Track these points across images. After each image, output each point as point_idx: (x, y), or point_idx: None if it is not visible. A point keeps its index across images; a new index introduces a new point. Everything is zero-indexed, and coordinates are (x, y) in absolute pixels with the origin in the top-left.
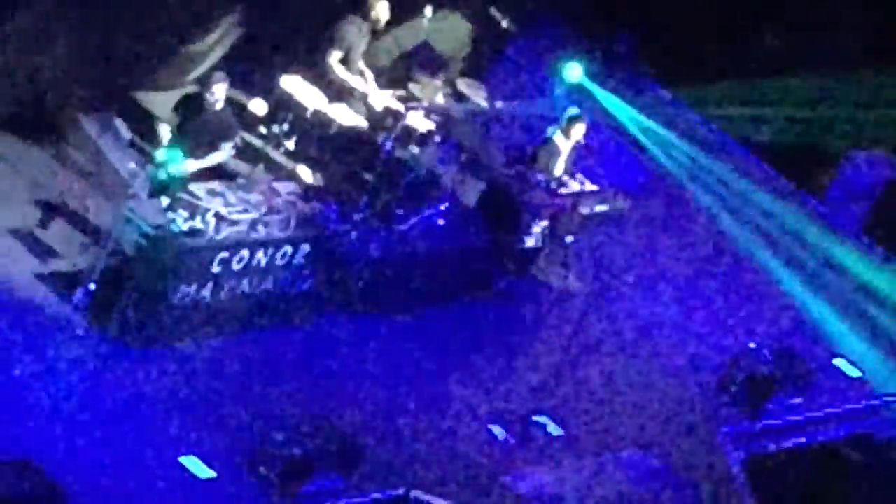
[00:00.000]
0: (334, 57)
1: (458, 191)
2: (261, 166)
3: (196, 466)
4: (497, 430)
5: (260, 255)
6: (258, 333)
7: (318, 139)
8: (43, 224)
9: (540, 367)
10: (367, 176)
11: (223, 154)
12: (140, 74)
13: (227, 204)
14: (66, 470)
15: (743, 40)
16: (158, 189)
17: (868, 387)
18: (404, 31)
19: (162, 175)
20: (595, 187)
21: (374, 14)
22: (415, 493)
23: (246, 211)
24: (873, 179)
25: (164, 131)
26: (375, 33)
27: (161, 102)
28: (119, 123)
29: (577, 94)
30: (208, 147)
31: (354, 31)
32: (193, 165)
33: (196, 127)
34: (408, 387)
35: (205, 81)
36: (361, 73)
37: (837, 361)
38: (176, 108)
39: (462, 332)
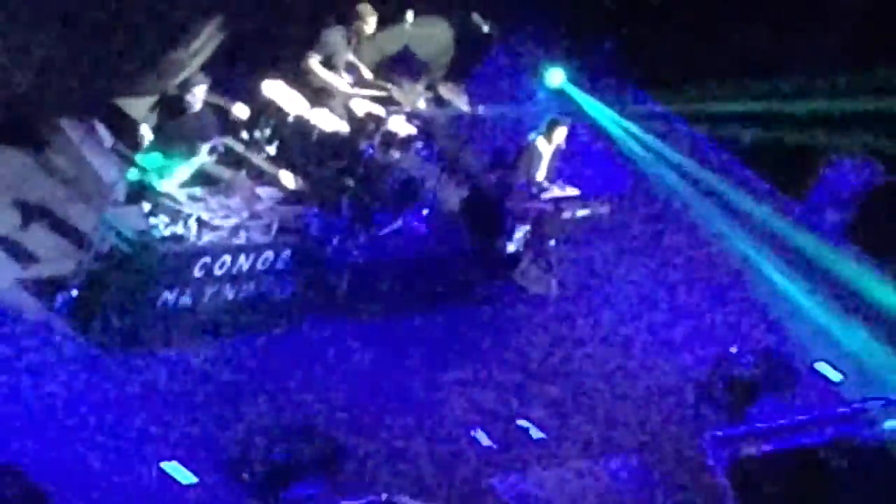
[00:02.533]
0: (313, 59)
1: (439, 196)
2: (242, 171)
3: (178, 472)
4: (480, 435)
5: (242, 260)
6: (240, 339)
7: (299, 144)
8: (24, 229)
9: (522, 372)
10: (349, 181)
11: (202, 157)
12: (122, 80)
13: (208, 209)
14: (48, 475)
15: (725, 44)
16: (135, 193)
17: (850, 391)
18: (386, 36)
19: (138, 177)
20: (577, 192)
21: (360, 25)
22: (397, 498)
23: (227, 216)
24: (856, 184)
25: (146, 132)
26: (359, 43)
27: (143, 108)
28: (101, 129)
29: (559, 99)
30: (186, 149)
31: (338, 40)
32: (185, 172)
33: (174, 128)
34: (390, 392)
35: (185, 83)
36: (342, 80)
37: (819, 365)
38: (154, 109)
39: (444, 336)
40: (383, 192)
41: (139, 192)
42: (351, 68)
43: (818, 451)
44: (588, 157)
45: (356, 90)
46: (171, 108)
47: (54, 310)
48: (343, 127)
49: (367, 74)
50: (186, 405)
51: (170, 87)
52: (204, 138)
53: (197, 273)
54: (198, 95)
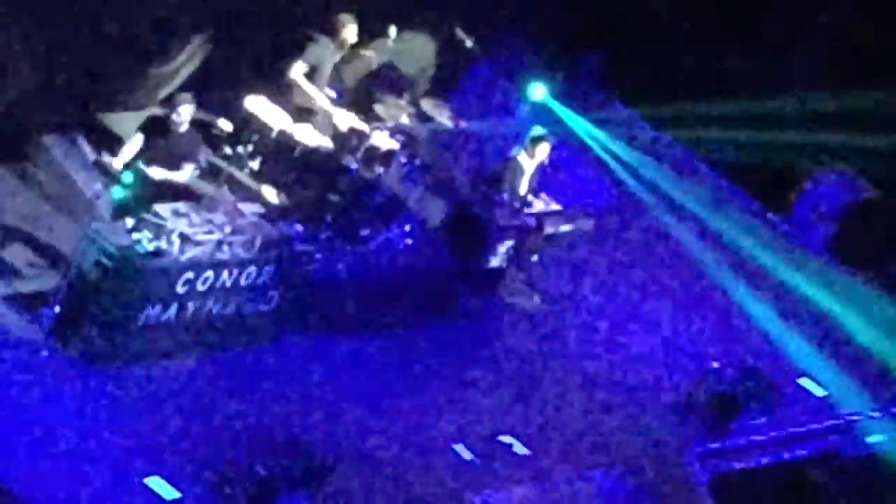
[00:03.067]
0: (297, 70)
1: (422, 211)
2: (226, 187)
3: (161, 487)
4: (463, 451)
5: (225, 275)
6: (223, 354)
7: (283, 160)
8: (7, 245)
9: (505, 387)
10: (332, 196)
11: (185, 174)
12: (105, 95)
13: (191, 224)
14: (31, 491)
15: (707, 60)
16: (121, 210)
17: (833, 406)
18: (369, 51)
19: (123, 194)
20: (559, 207)
21: (342, 35)
22: None
23: (211, 232)
24: (839, 199)
25: (130, 150)
26: (343, 53)
27: (125, 123)
28: (84, 144)
29: (542, 114)
30: (171, 169)
31: (323, 51)
32: (159, 173)
33: (161, 149)
34: (373, 407)
35: (171, 102)
36: (326, 94)
37: (803, 380)
38: (141, 130)
39: (427, 352)
40: (366, 207)
41: (121, 208)
42: (334, 82)
43: (802, 466)
44: (571, 173)
45: (338, 106)
46: (157, 130)
47: (38, 326)
48: (326, 142)
49: (350, 86)
50: (170, 420)
51: (152, 102)
52: (189, 158)
53: (180, 288)
54: (184, 116)
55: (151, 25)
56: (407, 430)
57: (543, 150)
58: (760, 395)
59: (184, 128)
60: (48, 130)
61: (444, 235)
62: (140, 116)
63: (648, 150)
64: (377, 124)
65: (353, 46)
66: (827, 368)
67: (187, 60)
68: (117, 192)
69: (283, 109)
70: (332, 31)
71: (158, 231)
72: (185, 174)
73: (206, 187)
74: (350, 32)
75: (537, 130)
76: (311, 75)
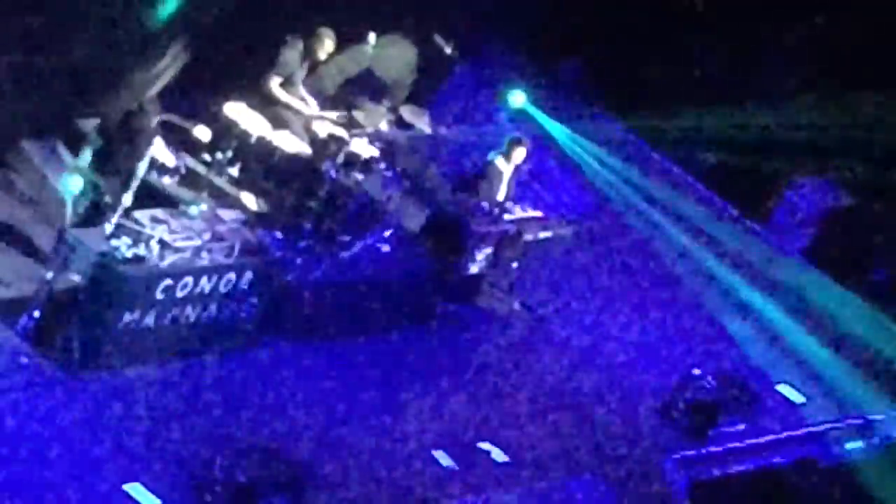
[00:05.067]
0: (274, 81)
1: (401, 217)
2: (204, 193)
3: (141, 494)
4: (441, 457)
5: (204, 281)
6: (202, 360)
7: (262, 166)
8: None
9: (484, 394)
10: (311, 202)
11: (144, 164)
12: (85, 101)
13: (170, 231)
14: (11, 497)
15: (687, 67)
16: (92, 213)
17: (812, 412)
18: (347, 58)
19: (93, 197)
20: (539, 213)
21: (317, 48)
22: None
23: (190, 238)
24: (817, 205)
25: (86, 156)
26: (316, 63)
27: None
28: (62, 150)
29: (522, 120)
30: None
31: (295, 56)
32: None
33: (125, 151)
34: (352, 413)
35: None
36: (303, 99)
37: (781, 387)
38: (103, 133)
39: (406, 358)
40: (345, 213)
41: (96, 212)
42: (313, 90)
43: (780, 473)
44: (550, 179)
45: (317, 113)
46: (121, 129)
47: (17, 331)
48: (305, 149)
49: (330, 93)
50: (149, 427)
51: (131, 107)
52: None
53: (159, 294)
54: (150, 115)
55: (130, 30)
56: (386, 436)
57: (520, 155)
58: (739, 401)
59: (152, 124)
60: (27, 136)
61: (422, 242)
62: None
63: (627, 157)
64: (356, 131)
65: (333, 53)
66: (805, 375)
67: (167, 66)
68: (88, 197)
69: (262, 116)
70: (309, 45)
71: (137, 237)
72: (144, 163)
73: (185, 193)
74: (326, 47)
75: (514, 135)
76: (287, 81)
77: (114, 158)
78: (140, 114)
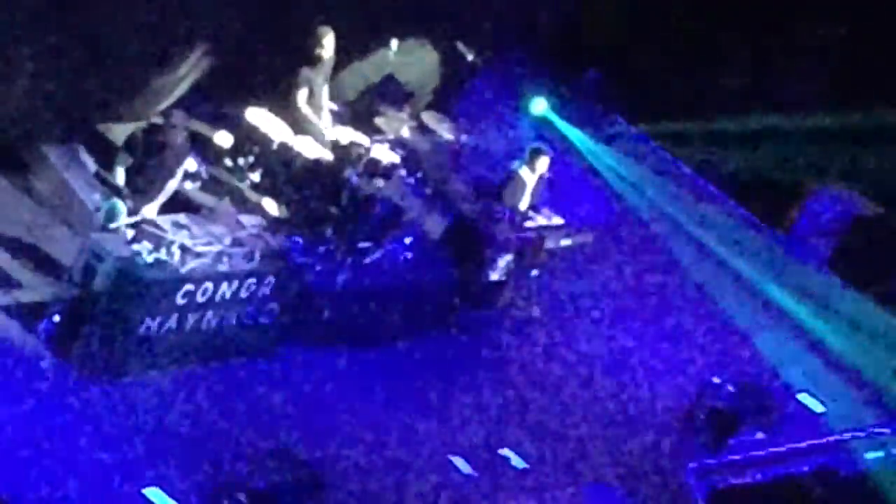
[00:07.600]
0: (301, 99)
1: (423, 224)
2: (226, 199)
3: (160, 498)
4: (461, 464)
5: (224, 287)
6: (222, 366)
7: (283, 172)
8: (7, 255)
9: (504, 401)
10: (333, 209)
11: (175, 181)
12: (106, 106)
13: (192, 236)
14: (31, 500)
15: (708, 76)
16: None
17: (832, 421)
18: (369, 64)
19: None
20: (560, 221)
21: (319, 49)
22: None
23: (211, 243)
24: (838, 215)
25: (120, 173)
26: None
27: (126, 135)
28: (84, 155)
29: (543, 128)
30: (163, 181)
31: (314, 71)
32: (151, 210)
33: (152, 165)
34: (372, 419)
35: (166, 118)
36: (325, 109)
37: (801, 396)
38: (130, 148)
39: (426, 365)
40: (367, 220)
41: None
42: (334, 96)
43: (800, 482)
44: (571, 187)
45: (340, 128)
46: (149, 148)
47: (37, 336)
48: (327, 155)
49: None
50: (168, 432)
51: (153, 114)
52: (178, 164)
53: (180, 300)
54: (178, 129)
55: (152, 36)
56: (406, 442)
57: (544, 165)
58: (759, 410)
59: (179, 139)
60: (49, 141)
61: (444, 249)
62: (140, 128)
63: (649, 166)
64: (378, 137)
65: (352, 58)
66: (826, 384)
67: (189, 72)
68: (110, 204)
69: (284, 121)
70: (311, 47)
71: (159, 242)
72: (175, 180)
73: (206, 199)
74: (327, 45)
75: (536, 144)
76: (310, 94)
77: (143, 173)
78: (168, 128)
